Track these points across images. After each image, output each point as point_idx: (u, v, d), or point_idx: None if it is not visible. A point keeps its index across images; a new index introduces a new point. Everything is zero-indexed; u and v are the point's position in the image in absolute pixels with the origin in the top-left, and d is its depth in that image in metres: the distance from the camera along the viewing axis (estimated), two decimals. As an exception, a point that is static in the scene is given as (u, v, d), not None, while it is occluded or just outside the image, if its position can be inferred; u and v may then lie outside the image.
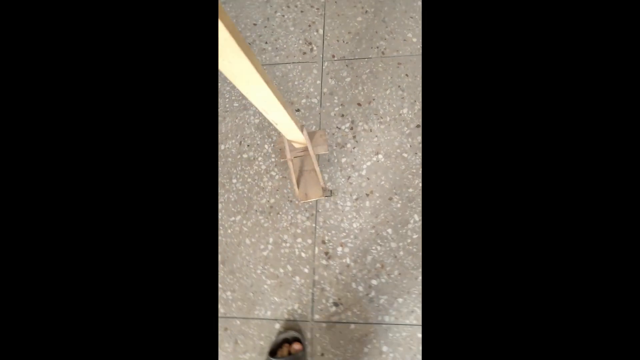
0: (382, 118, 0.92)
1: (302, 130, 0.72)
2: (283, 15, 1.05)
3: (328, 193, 0.85)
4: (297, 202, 0.89)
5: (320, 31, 1.02)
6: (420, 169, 0.87)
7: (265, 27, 1.05)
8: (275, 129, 0.95)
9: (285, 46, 1.02)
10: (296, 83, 0.99)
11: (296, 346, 0.77)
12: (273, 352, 0.76)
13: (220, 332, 0.83)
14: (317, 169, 0.82)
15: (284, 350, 0.76)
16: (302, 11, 1.05)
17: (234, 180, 0.92)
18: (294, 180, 0.83)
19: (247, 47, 0.37)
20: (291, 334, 0.79)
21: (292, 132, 0.69)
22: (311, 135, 0.87)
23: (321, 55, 1.00)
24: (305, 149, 0.82)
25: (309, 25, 1.03)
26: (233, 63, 0.37)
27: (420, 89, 0.93)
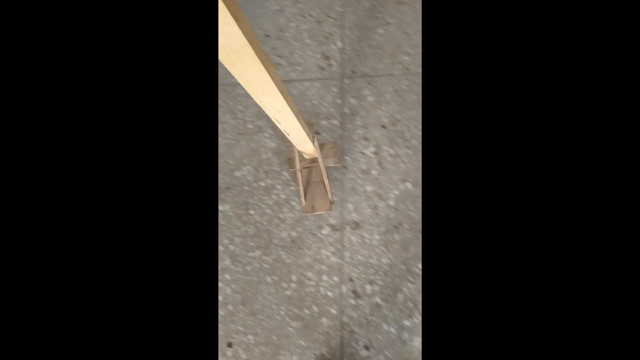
0: (408, 142, 0.86)
1: (313, 141, 0.72)
2: (298, 26, 0.96)
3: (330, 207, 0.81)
4: (320, 234, 0.82)
5: (339, 44, 0.94)
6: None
7: (279, 39, 0.96)
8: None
9: (301, 60, 0.94)
10: (314, 102, 0.91)
11: (326, 393, 0.72)
12: (303, 404, 0.71)
13: (241, 378, 0.77)
14: (326, 181, 0.80)
15: (315, 401, 0.71)
16: (318, 21, 0.96)
17: (252, 212, 0.85)
18: (301, 192, 0.80)
19: (264, 55, 0.36)
20: (320, 380, 0.74)
21: (303, 143, 0.69)
22: (321, 147, 0.85)
23: (340, 72, 0.92)
24: (314, 160, 0.81)
25: (326, 37, 0.95)
26: (249, 71, 0.37)
27: (449, 110, 0.87)
